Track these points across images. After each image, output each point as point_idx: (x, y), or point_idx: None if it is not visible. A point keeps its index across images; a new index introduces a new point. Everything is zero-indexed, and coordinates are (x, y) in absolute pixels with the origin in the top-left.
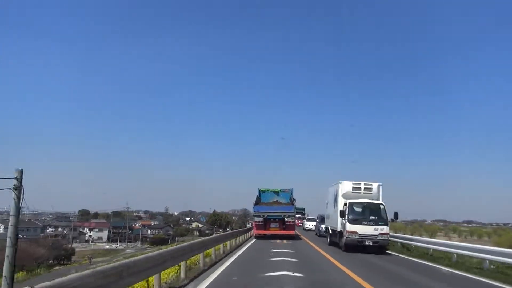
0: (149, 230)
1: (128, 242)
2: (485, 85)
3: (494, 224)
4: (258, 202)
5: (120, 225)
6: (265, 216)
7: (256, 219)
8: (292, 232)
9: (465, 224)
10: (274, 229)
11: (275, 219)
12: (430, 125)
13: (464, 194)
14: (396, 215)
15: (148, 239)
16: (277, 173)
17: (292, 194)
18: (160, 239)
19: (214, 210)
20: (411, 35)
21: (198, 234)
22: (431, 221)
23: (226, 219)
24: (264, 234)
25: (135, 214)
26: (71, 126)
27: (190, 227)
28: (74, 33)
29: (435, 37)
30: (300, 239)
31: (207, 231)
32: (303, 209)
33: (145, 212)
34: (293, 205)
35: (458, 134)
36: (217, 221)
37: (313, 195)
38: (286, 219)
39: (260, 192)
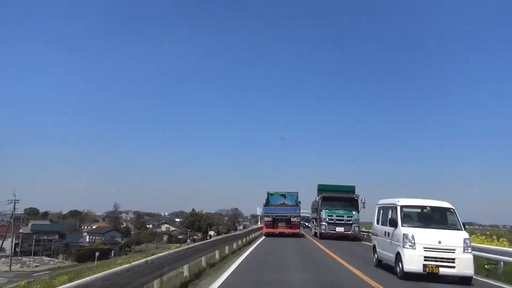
0: (88, 237)
1: (46, 255)
2: (486, 86)
3: (501, 227)
4: (267, 203)
5: (54, 230)
6: (274, 216)
7: (266, 219)
8: (297, 230)
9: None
10: (281, 228)
11: (282, 219)
12: (429, 126)
13: (462, 195)
14: None
15: (72, 253)
16: (275, 174)
17: (297, 197)
18: (94, 251)
19: (193, 209)
20: (411, 36)
21: (166, 240)
22: None
23: (207, 220)
24: (273, 232)
25: (125, 214)
26: (72, 127)
27: (159, 230)
28: (73, 34)
29: (436, 38)
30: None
31: (180, 236)
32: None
33: (134, 212)
34: (298, 207)
35: (457, 136)
36: (196, 222)
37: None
38: (292, 219)
39: (269, 195)
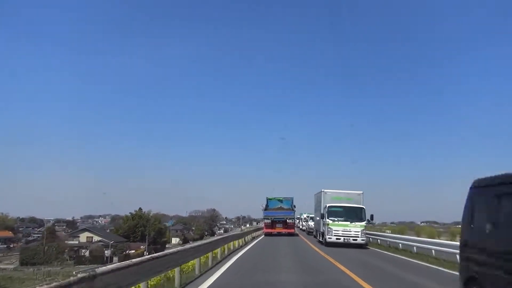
0: None
1: None
2: (483, 86)
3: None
4: (266, 208)
5: None
6: (272, 218)
7: (266, 221)
8: (292, 230)
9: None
10: (279, 228)
11: (279, 220)
12: (428, 126)
13: (454, 195)
14: (371, 216)
15: None
16: (274, 175)
17: (292, 201)
18: None
19: (140, 208)
20: (411, 35)
21: (73, 260)
22: (421, 222)
23: (156, 225)
24: (271, 232)
25: (102, 219)
26: (70, 128)
27: (74, 242)
28: (73, 34)
29: (435, 38)
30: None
31: (105, 251)
32: None
33: (113, 216)
34: (293, 210)
35: (455, 135)
36: (138, 228)
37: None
38: (288, 221)
39: (268, 200)
